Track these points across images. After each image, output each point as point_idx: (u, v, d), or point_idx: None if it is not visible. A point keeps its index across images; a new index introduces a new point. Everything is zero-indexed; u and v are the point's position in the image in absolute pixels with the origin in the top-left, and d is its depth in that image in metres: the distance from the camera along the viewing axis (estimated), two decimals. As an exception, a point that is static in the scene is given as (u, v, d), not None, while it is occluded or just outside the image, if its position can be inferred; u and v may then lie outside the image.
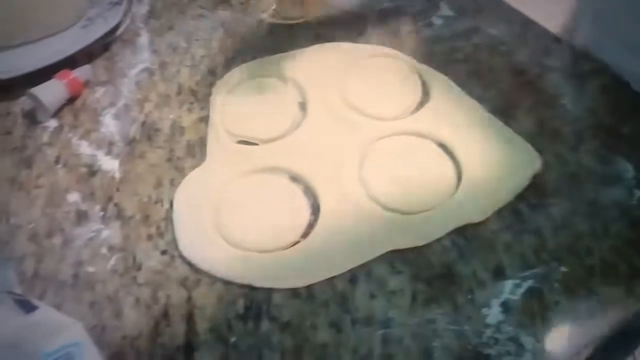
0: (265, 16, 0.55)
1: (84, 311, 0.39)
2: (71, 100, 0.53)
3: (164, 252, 0.42)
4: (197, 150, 0.48)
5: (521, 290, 0.39)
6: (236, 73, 0.54)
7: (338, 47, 0.55)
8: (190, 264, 0.41)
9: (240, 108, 0.51)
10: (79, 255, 0.42)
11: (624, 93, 0.50)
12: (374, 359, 0.37)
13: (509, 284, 0.40)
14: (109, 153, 0.49)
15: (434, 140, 0.47)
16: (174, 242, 0.42)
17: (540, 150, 0.46)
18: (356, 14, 0.59)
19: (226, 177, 0.46)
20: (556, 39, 0.54)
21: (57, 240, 0.43)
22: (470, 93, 0.50)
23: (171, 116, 0.51)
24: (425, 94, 0.51)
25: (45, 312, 0.36)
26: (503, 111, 0.49)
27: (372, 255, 0.41)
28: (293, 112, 0.50)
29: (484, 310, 0.38)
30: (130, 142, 0.49)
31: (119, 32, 0.58)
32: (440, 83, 0.51)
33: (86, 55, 0.56)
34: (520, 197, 0.44)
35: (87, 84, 0.54)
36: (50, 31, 0.58)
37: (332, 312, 0.39)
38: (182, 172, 0.47)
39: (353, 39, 0.56)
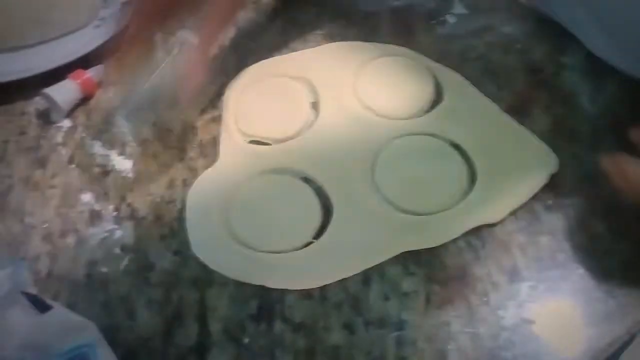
0: None
1: (97, 311, 0.39)
2: (85, 100, 0.53)
3: (176, 253, 0.42)
4: (210, 150, 0.48)
5: (537, 293, 0.39)
6: (248, 73, 0.53)
7: (350, 46, 0.55)
8: (202, 265, 0.41)
9: (253, 108, 0.50)
10: (93, 255, 0.42)
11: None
12: (387, 362, 0.36)
13: (525, 286, 0.39)
14: (122, 153, 0.49)
15: (448, 140, 0.47)
16: (186, 242, 0.42)
17: (556, 150, 0.45)
18: (368, 12, 0.58)
19: (238, 177, 0.46)
20: (572, 37, 0.53)
21: (70, 240, 0.43)
22: (485, 92, 0.50)
23: (183, 116, 0.51)
24: (439, 93, 0.50)
25: (59, 312, 0.36)
26: (518, 110, 0.48)
27: (385, 256, 0.41)
28: (305, 112, 0.50)
29: (500, 313, 0.38)
30: (143, 142, 0.49)
31: (131, 32, 0.58)
32: (454, 82, 0.51)
33: (99, 55, 0.56)
34: (536, 197, 0.43)
35: (100, 83, 0.54)
36: (64, 31, 0.58)
37: (345, 313, 0.39)
38: (194, 172, 0.47)
39: (365, 38, 0.55)
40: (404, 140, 0.47)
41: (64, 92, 0.51)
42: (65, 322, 0.35)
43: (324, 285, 0.40)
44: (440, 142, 0.47)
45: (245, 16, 0.60)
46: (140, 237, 0.43)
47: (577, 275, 0.40)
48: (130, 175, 0.47)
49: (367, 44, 0.55)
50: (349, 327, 0.38)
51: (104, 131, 0.50)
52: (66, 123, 0.51)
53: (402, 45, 0.54)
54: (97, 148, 0.49)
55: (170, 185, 0.46)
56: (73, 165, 0.48)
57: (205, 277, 0.41)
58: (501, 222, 0.42)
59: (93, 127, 0.51)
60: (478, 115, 0.48)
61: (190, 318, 0.39)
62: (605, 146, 0.46)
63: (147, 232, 0.43)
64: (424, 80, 0.51)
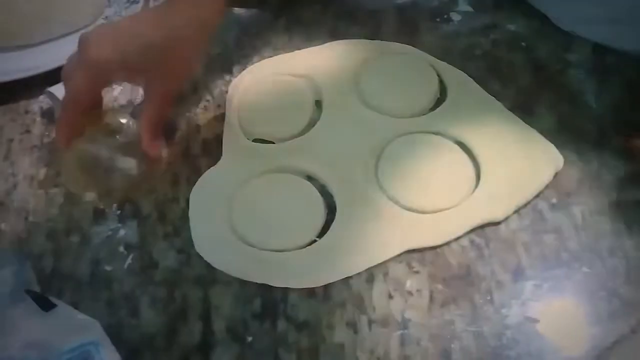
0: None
1: (101, 309, 0.40)
2: (89, 98, 0.53)
3: (180, 251, 0.42)
4: (213, 148, 0.48)
5: (541, 292, 0.39)
6: (252, 71, 0.53)
7: (354, 44, 0.55)
8: (206, 263, 0.41)
9: (256, 106, 0.50)
10: (97, 253, 0.43)
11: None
12: (391, 360, 0.36)
13: (529, 285, 0.39)
14: (125, 152, 0.48)
15: (452, 138, 0.46)
16: (190, 240, 0.42)
17: (561, 148, 0.45)
18: (373, 10, 0.58)
19: (242, 175, 0.46)
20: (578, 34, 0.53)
21: (75, 238, 0.44)
22: (489, 90, 0.50)
23: (187, 114, 0.51)
24: (443, 91, 0.50)
25: (63, 311, 0.36)
26: (523, 108, 0.48)
27: (389, 254, 0.41)
28: (309, 110, 0.50)
29: (504, 311, 0.38)
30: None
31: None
32: (458, 80, 0.51)
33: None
34: (541, 196, 0.43)
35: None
36: (69, 29, 0.58)
37: (348, 312, 0.39)
38: (198, 171, 0.47)
39: (370, 36, 0.55)
40: (407, 138, 0.47)
41: (68, 90, 0.51)
42: (69, 320, 0.36)
43: (328, 284, 0.40)
44: (444, 140, 0.46)
45: (249, 14, 0.60)
46: (143, 236, 0.43)
47: (582, 274, 0.39)
48: (134, 173, 0.47)
49: (371, 42, 0.55)
50: (352, 326, 0.38)
51: (107, 130, 0.50)
52: (70, 121, 0.51)
53: (406, 43, 0.54)
54: (101, 147, 0.49)
55: (174, 183, 0.46)
56: (77, 164, 0.48)
57: (209, 276, 0.41)
58: (505, 220, 0.42)
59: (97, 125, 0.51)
60: (482, 114, 0.48)
61: (193, 316, 0.39)
62: (611, 144, 0.46)
63: (151, 230, 0.43)
64: (428, 78, 0.51)
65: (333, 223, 0.42)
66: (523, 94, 0.50)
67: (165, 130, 0.48)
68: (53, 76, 0.52)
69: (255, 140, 0.48)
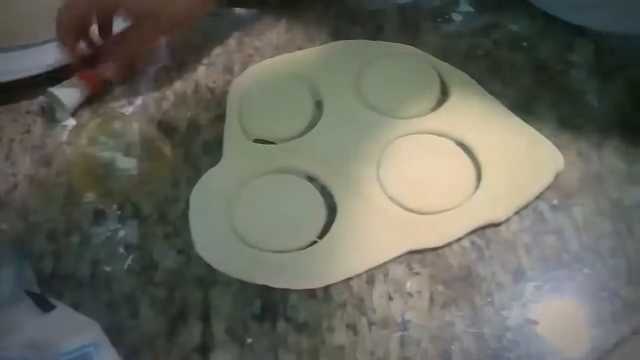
0: None
1: (101, 310, 0.40)
2: (90, 99, 0.53)
3: (180, 252, 0.42)
4: (214, 148, 0.48)
5: (542, 293, 0.39)
6: (253, 71, 0.53)
7: (355, 45, 0.55)
8: (206, 264, 0.41)
9: (257, 106, 0.50)
10: (97, 254, 0.43)
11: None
12: (391, 362, 0.36)
13: (529, 286, 0.39)
14: (126, 152, 0.49)
15: (454, 139, 0.46)
16: (190, 241, 0.42)
17: (562, 149, 0.45)
18: (374, 10, 0.58)
19: (242, 176, 0.46)
20: (580, 34, 0.53)
21: (75, 239, 0.44)
22: (491, 90, 0.49)
23: (188, 114, 0.51)
24: (445, 92, 0.50)
25: (63, 312, 0.36)
26: (524, 108, 0.48)
27: (389, 255, 0.41)
28: (310, 111, 0.49)
29: (504, 313, 0.38)
30: (148, 140, 0.49)
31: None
32: (459, 80, 0.50)
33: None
34: (542, 197, 0.43)
35: (105, 82, 0.54)
36: (69, 30, 0.58)
37: (348, 313, 0.39)
38: (198, 171, 0.46)
39: (371, 36, 0.55)
40: (408, 139, 0.47)
41: (69, 91, 0.51)
42: (69, 321, 0.36)
43: (328, 285, 0.40)
44: (445, 141, 0.46)
45: (250, 14, 0.59)
46: (144, 236, 0.43)
47: (583, 275, 0.39)
48: (134, 173, 0.47)
49: (372, 42, 0.55)
50: (352, 327, 0.38)
51: (107, 130, 0.50)
52: (71, 122, 0.51)
53: (408, 43, 0.54)
54: (102, 147, 0.49)
55: (174, 184, 0.46)
56: (77, 164, 0.48)
57: (209, 277, 0.41)
58: (506, 221, 0.42)
59: (97, 126, 0.51)
60: (483, 114, 0.48)
61: (194, 317, 0.39)
62: (612, 145, 0.46)
63: (151, 231, 0.43)
64: (429, 78, 0.51)
65: (333, 224, 0.42)
66: (524, 94, 0.49)
67: (166, 129, 0.49)
68: (54, 76, 0.52)
69: (255, 141, 0.48)
